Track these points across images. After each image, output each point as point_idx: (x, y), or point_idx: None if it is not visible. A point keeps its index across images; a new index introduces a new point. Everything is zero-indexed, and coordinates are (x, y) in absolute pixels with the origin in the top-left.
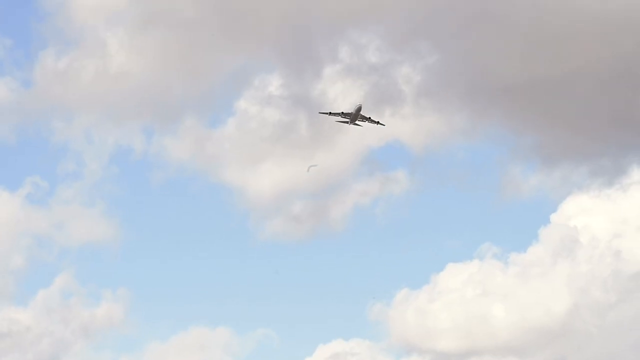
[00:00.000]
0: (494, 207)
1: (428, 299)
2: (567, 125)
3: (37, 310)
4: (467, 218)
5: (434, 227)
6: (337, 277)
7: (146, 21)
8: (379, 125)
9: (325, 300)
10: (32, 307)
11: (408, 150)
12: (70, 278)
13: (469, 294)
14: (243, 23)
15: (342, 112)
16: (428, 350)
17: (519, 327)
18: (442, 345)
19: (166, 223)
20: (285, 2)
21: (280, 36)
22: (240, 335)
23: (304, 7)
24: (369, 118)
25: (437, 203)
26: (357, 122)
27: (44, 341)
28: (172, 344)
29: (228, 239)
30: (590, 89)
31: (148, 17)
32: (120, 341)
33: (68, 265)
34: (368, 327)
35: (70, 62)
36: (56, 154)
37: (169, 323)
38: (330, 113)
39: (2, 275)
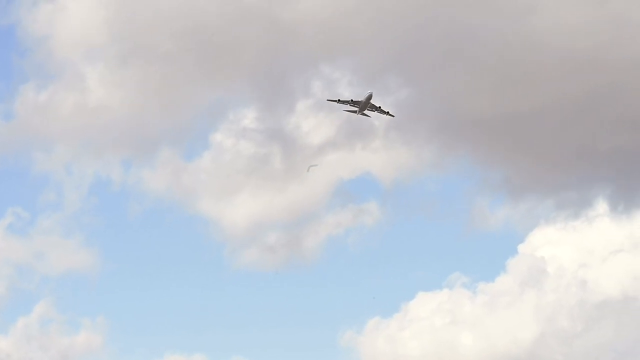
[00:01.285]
0: (463, 238)
1: (399, 327)
2: (534, 158)
3: (17, 338)
4: (437, 248)
5: (404, 257)
6: (310, 306)
7: (124, 56)
8: (388, 115)
9: (299, 328)
10: (12, 335)
11: (379, 182)
12: (50, 306)
13: (439, 323)
14: (219, 57)
15: (352, 100)
16: None
17: (487, 355)
18: None
19: (143, 253)
20: (260, 37)
21: (255, 70)
22: None
23: (279, 42)
24: (379, 107)
25: (408, 233)
26: (365, 112)
27: None
28: None
29: (204, 269)
30: (556, 123)
31: (126, 51)
32: None
33: (48, 294)
34: (340, 354)
35: (50, 96)
36: (37, 185)
37: (146, 351)
38: (339, 101)
39: None
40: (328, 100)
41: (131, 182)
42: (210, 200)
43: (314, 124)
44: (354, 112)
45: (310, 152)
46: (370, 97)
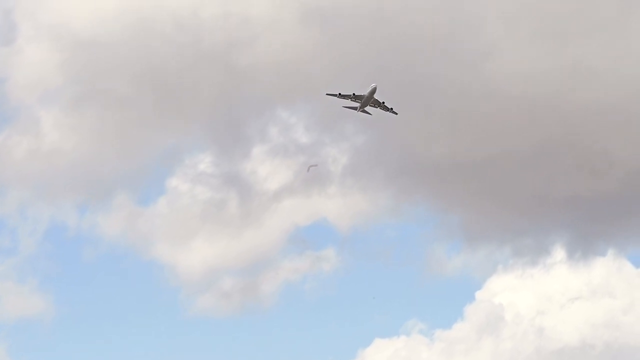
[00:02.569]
0: (420, 284)
1: None
2: (491, 204)
3: None
4: (394, 294)
5: (361, 303)
6: (266, 352)
7: (80, 99)
8: (391, 112)
9: None
10: None
11: (335, 228)
12: (4, 352)
13: None
14: (175, 101)
15: (354, 94)
16: None
17: None
18: None
19: (98, 299)
20: (217, 82)
21: (212, 115)
22: None
23: (236, 86)
24: (382, 103)
25: (365, 280)
26: (366, 109)
27: None
28: None
29: (159, 315)
30: (514, 169)
31: (82, 95)
32: None
33: (2, 340)
34: None
35: (4, 140)
36: None
37: None
38: (339, 95)
39: None
40: (327, 94)
41: (86, 227)
42: (166, 246)
43: (270, 169)
44: (354, 108)
45: (266, 197)
46: (374, 91)
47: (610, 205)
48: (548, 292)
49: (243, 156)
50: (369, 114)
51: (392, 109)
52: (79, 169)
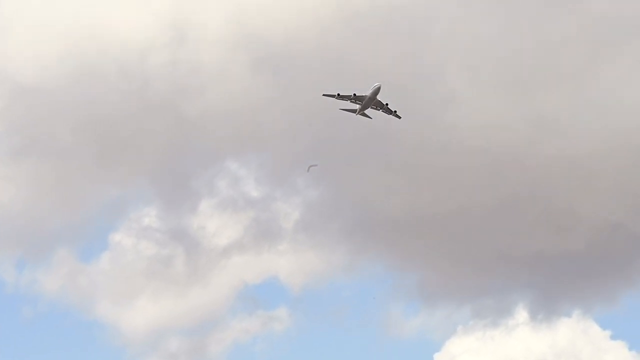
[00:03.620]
0: (376, 346)
1: None
2: (450, 263)
3: None
4: (349, 357)
5: None
6: None
7: (19, 150)
8: (394, 116)
9: None
10: None
11: (287, 287)
12: None
13: None
14: (119, 152)
15: (354, 95)
16: None
17: None
18: None
19: (37, 359)
20: (163, 132)
21: (158, 166)
22: None
23: (183, 136)
24: (386, 105)
25: (318, 341)
26: (366, 112)
27: None
28: None
29: None
30: (474, 226)
31: (21, 145)
32: None
33: None
34: None
35: None
36: None
37: None
38: (338, 95)
39: None
40: (325, 95)
41: (25, 283)
42: (109, 304)
43: (219, 224)
44: (353, 111)
45: (215, 253)
46: (377, 91)
47: (576, 264)
48: (510, 354)
49: (190, 210)
50: (369, 117)
51: (395, 112)
52: (17, 222)
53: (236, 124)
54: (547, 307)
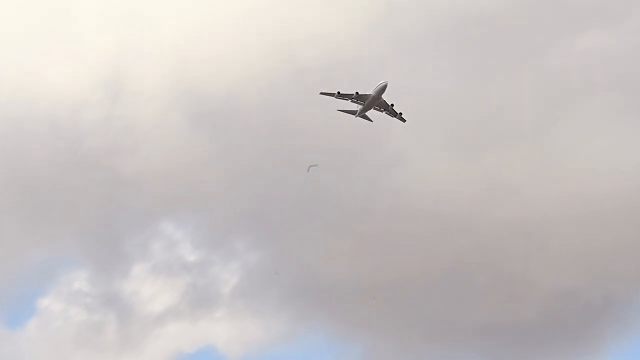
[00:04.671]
0: None
1: None
2: (397, 331)
3: None
4: None
5: None
6: None
7: None
8: (399, 119)
9: None
10: None
11: (224, 356)
12: None
13: None
14: (48, 213)
15: (357, 94)
16: None
17: None
18: None
19: None
20: (95, 191)
21: (89, 228)
22: None
23: (116, 196)
24: (391, 106)
25: None
26: (367, 114)
27: None
28: None
29: None
30: (423, 292)
31: None
32: None
33: None
34: None
35: None
36: None
37: None
38: (338, 94)
39: None
40: (322, 93)
41: None
42: None
43: (153, 289)
44: (353, 113)
45: (148, 320)
46: (382, 90)
47: (530, 333)
48: None
49: (123, 274)
50: (370, 120)
51: (401, 114)
52: None
53: (172, 183)
54: None
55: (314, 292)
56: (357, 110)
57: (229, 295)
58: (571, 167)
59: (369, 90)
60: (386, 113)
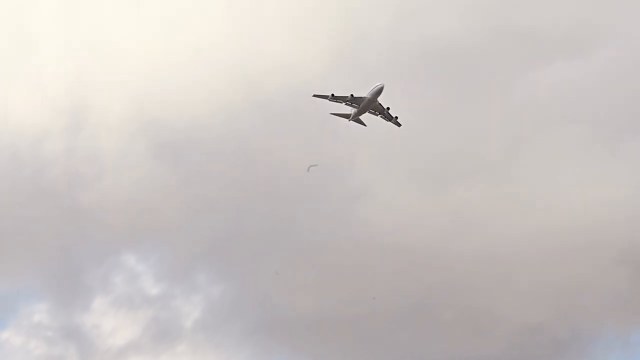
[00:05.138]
0: None
1: None
2: None
3: None
4: None
5: None
6: None
7: None
8: (394, 123)
9: None
10: None
11: None
12: None
13: None
14: (8, 244)
15: (351, 96)
16: None
17: None
18: None
19: None
20: (56, 223)
21: (49, 260)
22: None
23: (77, 228)
24: (387, 110)
25: None
26: (361, 119)
27: None
28: None
29: None
30: (387, 327)
31: None
32: None
33: None
34: None
35: None
36: None
37: None
38: (332, 96)
39: None
40: (316, 95)
41: None
42: None
43: (114, 322)
44: (347, 116)
45: (110, 355)
46: (378, 92)
47: None
48: None
49: (84, 307)
50: (364, 125)
51: (396, 118)
52: None
53: (134, 215)
54: None
55: (277, 325)
56: (350, 114)
57: (191, 328)
58: (537, 201)
59: (365, 92)
60: (381, 117)
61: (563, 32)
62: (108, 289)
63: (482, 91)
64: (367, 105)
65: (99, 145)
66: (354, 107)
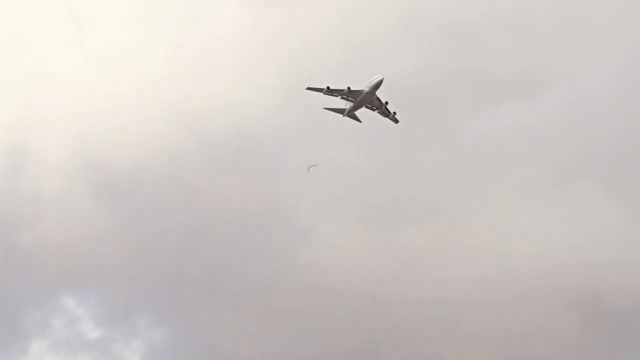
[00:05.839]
0: None
1: None
2: None
3: None
4: None
5: None
6: None
7: None
8: (392, 120)
9: None
10: None
11: None
12: None
13: None
14: None
15: (348, 89)
16: None
17: None
18: None
19: None
20: None
21: None
22: None
23: (14, 270)
24: (385, 104)
25: None
26: (356, 114)
27: None
28: None
29: None
30: None
31: None
32: None
33: None
34: None
35: None
36: None
37: None
38: (327, 89)
39: None
40: (309, 88)
41: None
42: None
43: None
44: (341, 112)
45: None
46: (377, 85)
47: None
48: None
49: (21, 352)
50: (359, 121)
51: (394, 113)
52: None
53: (74, 256)
54: None
55: None
56: (345, 109)
57: None
58: (487, 246)
59: (362, 86)
60: (378, 112)
61: (514, 73)
62: (46, 333)
63: (432, 133)
64: (364, 100)
65: (39, 185)
66: (350, 101)
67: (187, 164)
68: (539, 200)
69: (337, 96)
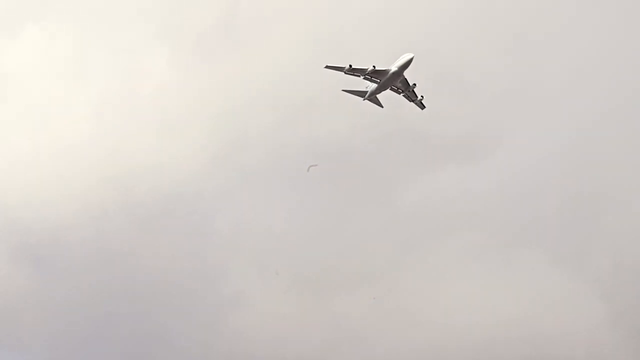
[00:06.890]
0: None
1: None
2: None
3: None
4: None
5: None
6: None
7: None
8: (418, 105)
9: None
10: None
11: None
12: None
13: None
14: None
15: (373, 67)
16: None
17: None
18: None
19: None
20: None
21: None
22: None
23: None
24: (413, 87)
25: None
26: (378, 97)
27: None
28: None
29: None
30: None
31: None
32: None
33: None
34: None
35: None
36: None
37: None
38: (349, 67)
39: None
40: (328, 67)
41: None
42: None
43: None
44: (362, 94)
45: None
46: (407, 64)
47: None
48: None
49: None
50: (381, 106)
51: (422, 98)
52: None
53: None
54: None
55: None
56: (367, 92)
57: None
58: (425, 314)
59: (390, 65)
60: (404, 96)
61: (455, 136)
62: None
63: (369, 196)
64: (389, 81)
65: None
66: (374, 81)
67: (110, 224)
68: (480, 267)
69: (359, 76)
